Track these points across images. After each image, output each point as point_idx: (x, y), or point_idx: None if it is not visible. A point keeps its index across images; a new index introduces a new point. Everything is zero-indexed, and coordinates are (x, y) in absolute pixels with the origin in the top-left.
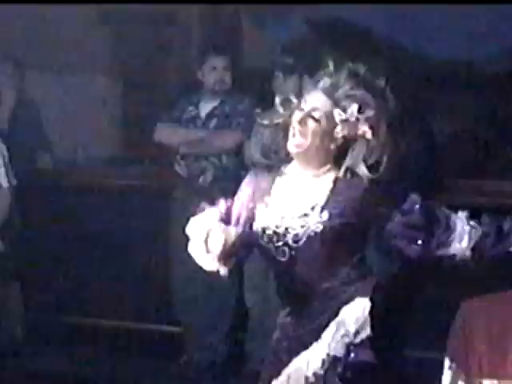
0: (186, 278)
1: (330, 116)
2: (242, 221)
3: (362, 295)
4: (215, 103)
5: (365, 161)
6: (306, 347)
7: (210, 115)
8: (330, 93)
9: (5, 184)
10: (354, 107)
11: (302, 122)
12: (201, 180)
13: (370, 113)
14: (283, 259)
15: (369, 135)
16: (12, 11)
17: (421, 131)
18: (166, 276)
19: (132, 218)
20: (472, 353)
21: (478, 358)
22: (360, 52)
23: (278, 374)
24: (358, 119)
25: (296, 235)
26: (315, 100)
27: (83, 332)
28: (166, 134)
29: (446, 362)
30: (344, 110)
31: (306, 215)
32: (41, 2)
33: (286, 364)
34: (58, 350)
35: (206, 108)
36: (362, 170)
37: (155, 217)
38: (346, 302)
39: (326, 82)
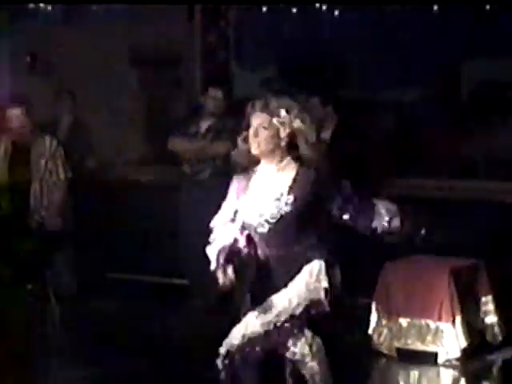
0: (191, 244)
1: (271, 124)
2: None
3: (319, 258)
4: (211, 122)
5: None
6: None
7: (207, 130)
8: (263, 110)
9: (63, 177)
10: (283, 111)
11: (256, 133)
12: (200, 176)
13: (295, 111)
14: (264, 231)
15: (302, 128)
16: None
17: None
18: (176, 242)
19: (153, 201)
20: (391, 298)
21: (395, 302)
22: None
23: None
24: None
25: (272, 214)
26: (258, 118)
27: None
28: (176, 143)
29: (373, 306)
30: (278, 116)
31: (277, 200)
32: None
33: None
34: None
35: (204, 125)
36: (306, 153)
37: (169, 200)
38: (307, 262)
39: (258, 104)
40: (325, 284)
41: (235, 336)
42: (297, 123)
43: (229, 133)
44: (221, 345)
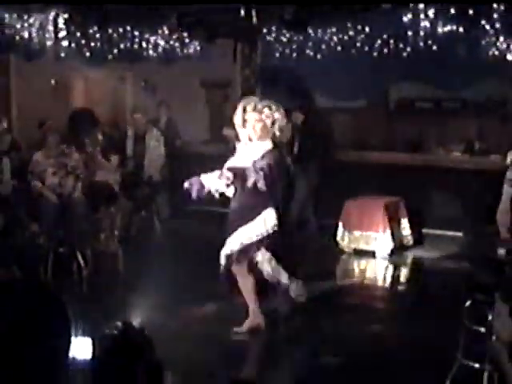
0: None
1: (261, 119)
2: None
3: (273, 207)
4: None
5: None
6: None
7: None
8: (254, 110)
9: (162, 151)
10: (267, 109)
11: (253, 126)
12: None
13: (274, 108)
14: (239, 186)
15: (281, 122)
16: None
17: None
18: None
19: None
20: (350, 220)
21: (352, 222)
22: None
23: None
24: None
25: (246, 175)
26: (251, 116)
27: None
28: (227, 131)
29: (340, 223)
30: (262, 113)
31: (254, 162)
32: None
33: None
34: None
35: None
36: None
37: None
38: (265, 209)
39: (249, 107)
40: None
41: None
42: (276, 115)
43: None
44: None
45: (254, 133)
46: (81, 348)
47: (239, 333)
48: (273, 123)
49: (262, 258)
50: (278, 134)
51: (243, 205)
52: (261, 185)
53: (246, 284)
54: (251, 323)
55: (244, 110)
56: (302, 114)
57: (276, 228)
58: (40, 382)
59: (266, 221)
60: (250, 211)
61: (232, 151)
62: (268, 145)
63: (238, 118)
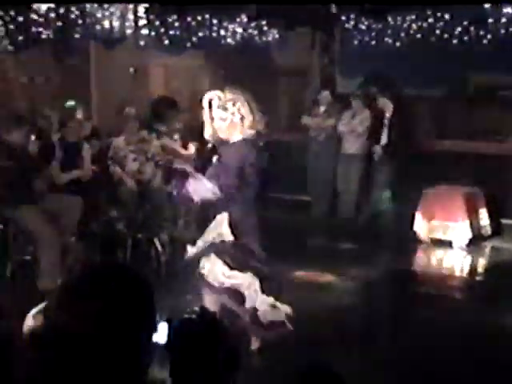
0: (314, 176)
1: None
2: None
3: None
4: (324, 108)
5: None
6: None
7: (323, 112)
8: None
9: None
10: (230, 104)
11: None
12: (319, 138)
13: (239, 102)
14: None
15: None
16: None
17: None
18: (305, 175)
19: (293, 151)
20: (428, 209)
21: (431, 211)
22: None
23: None
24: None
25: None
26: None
27: None
28: (305, 120)
29: (418, 213)
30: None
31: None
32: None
33: None
34: None
35: (321, 109)
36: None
37: (302, 152)
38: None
39: (215, 102)
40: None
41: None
42: (242, 111)
43: (334, 114)
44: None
45: (222, 133)
46: (158, 332)
47: None
48: (242, 120)
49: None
50: (249, 132)
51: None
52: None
53: None
54: None
55: (210, 106)
56: (390, 101)
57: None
58: (127, 365)
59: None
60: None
61: (310, 139)
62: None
63: (205, 116)
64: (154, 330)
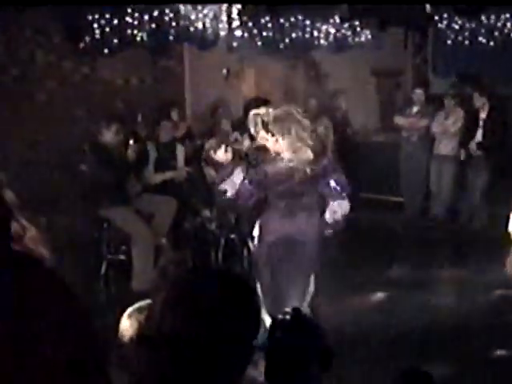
0: (407, 177)
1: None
2: None
3: None
4: (417, 108)
5: None
6: None
7: (416, 113)
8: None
9: (332, 136)
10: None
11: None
12: (412, 138)
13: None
14: None
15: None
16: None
17: None
18: (398, 176)
19: (384, 153)
20: None
21: None
22: None
23: None
24: None
25: None
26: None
27: None
28: (398, 120)
29: None
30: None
31: None
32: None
33: None
34: None
35: (414, 109)
36: None
37: (394, 152)
38: None
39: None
40: None
41: None
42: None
43: (427, 114)
44: None
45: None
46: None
47: None
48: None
49: None
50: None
51: None
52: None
53: None
54: None
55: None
56: (485, 99)
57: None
58: (228, 366)
59: None
60: None
61: (402, 140)
62: None
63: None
64: (258, 331)
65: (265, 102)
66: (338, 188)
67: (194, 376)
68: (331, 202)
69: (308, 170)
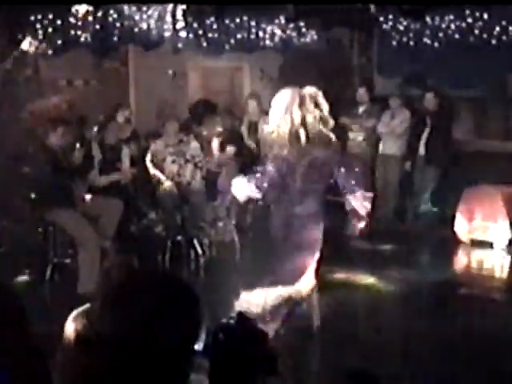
0: None
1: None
2: None
3: None
4: (363, 108)
5: None
6: None
7: (362, 112)
8: None
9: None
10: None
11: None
12: (358, 138)
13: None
14: None
15: None
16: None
17: None
18: None
19: None
20: (468, 209)
21: (471, 211)
22: None
23: None
24: None
25: None
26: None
27: None
28: (344, 120)
29: (458, 213)
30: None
31: None
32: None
33: None
34: None
35: (360, 109)
36: None
37: None
38: None
39: None
40: None
41: None
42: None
43: (373, 114)
44: None
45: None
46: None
47: None
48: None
49: None
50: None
51: None
52: None
53: None
54: None
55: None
56: (437, 100)
57: None
58: (170, 372)
59: None
60: None
61: (348, 140)
62: None
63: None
64: (199, 336)
65: (213, 107)
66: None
67: (135, 381)
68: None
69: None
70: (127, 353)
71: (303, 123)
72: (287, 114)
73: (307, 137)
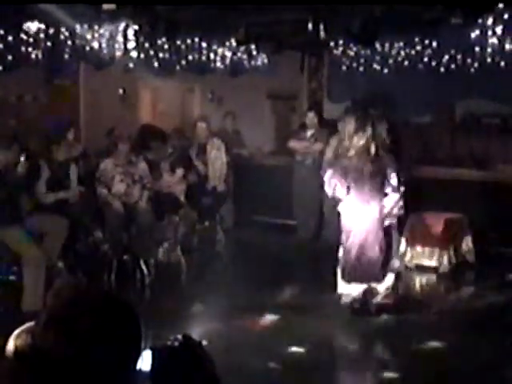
0: (300, 201)
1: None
2: None
3: None
4: (312, 132)
5: None
6: None
7: (310, 136)
8: None
9: (225, 160)
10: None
11: None
12: (306, 162)
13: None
14: None
15: None
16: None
17: None
18: (291, 200)
19: (276, 176)
20: (413, 235)
21: (416, 237)
22: None
23: None
24: None
25: None
26: None
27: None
28: (292, 144)
29: (403, 239)
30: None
31: None
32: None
33: None
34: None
35: (308, 133)
36: None
37: (287, 176)
38: None
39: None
40: None
41: None
42: None
43: (322, 138)
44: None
45: None
46: (142, 359)
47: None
48: None
49: None
50: None
51: None
52: None
53: None
54: None
55: None
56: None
57: None
58: None
59: None
60: None
61: (296, 164)
62: None
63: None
64: (139, 357)
65: (161, 134)
66: None
67: None
68: None
69: None
70: (66, 371)
71: None
72: None
73: None
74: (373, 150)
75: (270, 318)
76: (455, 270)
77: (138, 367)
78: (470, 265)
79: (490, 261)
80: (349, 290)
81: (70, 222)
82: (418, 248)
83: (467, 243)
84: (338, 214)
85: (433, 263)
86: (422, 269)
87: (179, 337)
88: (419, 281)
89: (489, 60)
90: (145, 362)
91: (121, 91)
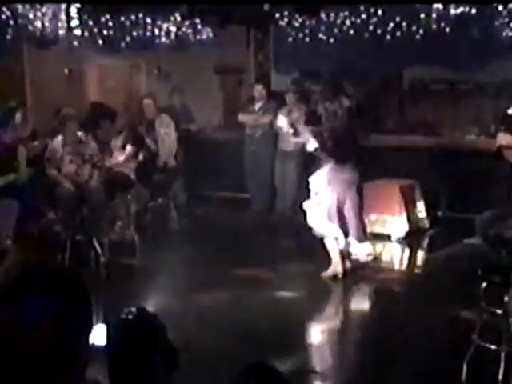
0: (251, 174)
1: None
2: None
3: None
4: (260, 104)
5: None
6: None
7: (259, 109)
8: None
9: (173, 137)
10: None
11: None
12: (255, 135)
13: None
14: None
15: None
16: (180, 67)
17: None
18: (242, 173)
19: (228, 150)
20: (367, 203)
21: (369, 206)
22: None
23: None
24: None
25: None
26: None
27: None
28: (242, 117)
29: None
30: None
31: None
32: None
33: None
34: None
35: (257, 106)
36: None
37: (237, 149)
38: None
39: None
40: None
41: None
42: None
43: (270, 110)
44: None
45: None
46: (96, 334)
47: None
48: None
49: None
50: None
51: None
52: None
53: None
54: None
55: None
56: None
57: None
58: (62, 367)
59: None
60: None
61: (246, 137)
62: None
63: None
64: (91, 331)
65: (111, 113)
66: None
67: (27, 375)
68: None
69: None
70: (19, 346)
71: None
72: None
73: None
74: None
75: (226, 293)
76: (408, 237)
77: (91, 341)
78: (423, 230)
79: (442, 226)
80: (331, 232)
81: (21, 204)
82: (372, 216)
83: (420, 209)
84: (290, 184)
85: (386, 231)
86: (376, 236)
87: (133, 309)
88: (373, 248)
89: (434, 26)
90: (100, 336)
91: (66, 70)
